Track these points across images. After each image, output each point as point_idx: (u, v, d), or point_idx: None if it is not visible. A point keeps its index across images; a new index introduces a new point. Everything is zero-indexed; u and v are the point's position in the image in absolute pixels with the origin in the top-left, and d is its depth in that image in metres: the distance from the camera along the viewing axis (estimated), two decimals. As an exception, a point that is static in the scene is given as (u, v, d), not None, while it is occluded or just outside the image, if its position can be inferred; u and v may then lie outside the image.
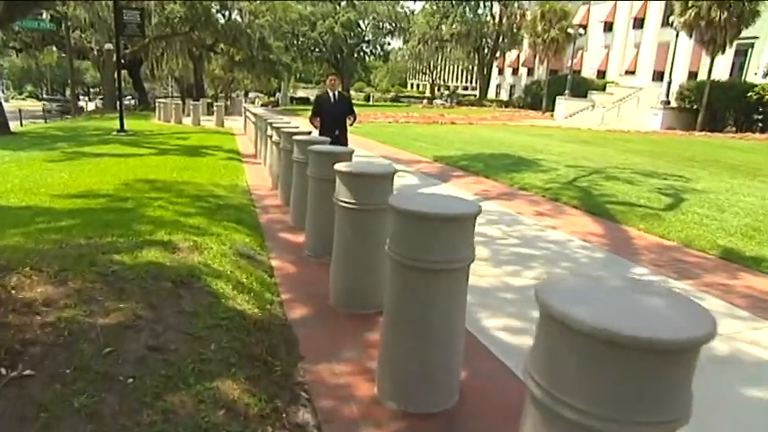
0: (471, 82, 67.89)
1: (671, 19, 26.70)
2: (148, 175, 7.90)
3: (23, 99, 66.31)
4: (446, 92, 59.43)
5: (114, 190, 6.57)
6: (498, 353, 3.10)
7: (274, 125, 7.73)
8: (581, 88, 35.39)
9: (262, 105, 43.73)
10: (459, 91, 62.58)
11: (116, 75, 20.55)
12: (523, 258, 4.92)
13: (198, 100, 26.96)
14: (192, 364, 2.35)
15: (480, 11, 51.57)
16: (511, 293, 4.04)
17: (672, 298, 1.28)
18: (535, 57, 40.48)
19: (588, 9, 41.24)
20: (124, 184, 6.99)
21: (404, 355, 2.40)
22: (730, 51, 26.33)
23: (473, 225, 2.29)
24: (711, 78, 25.43)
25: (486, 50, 50.75)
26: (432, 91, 60.58)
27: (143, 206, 5.55)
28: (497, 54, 50.87)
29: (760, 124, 24.99)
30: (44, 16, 25.75)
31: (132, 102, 38.47)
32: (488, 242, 5.32)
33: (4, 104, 17.47)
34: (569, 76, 34.57)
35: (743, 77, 28.40)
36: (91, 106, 41.42)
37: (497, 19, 49.26)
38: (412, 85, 79.69)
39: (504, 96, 51.55)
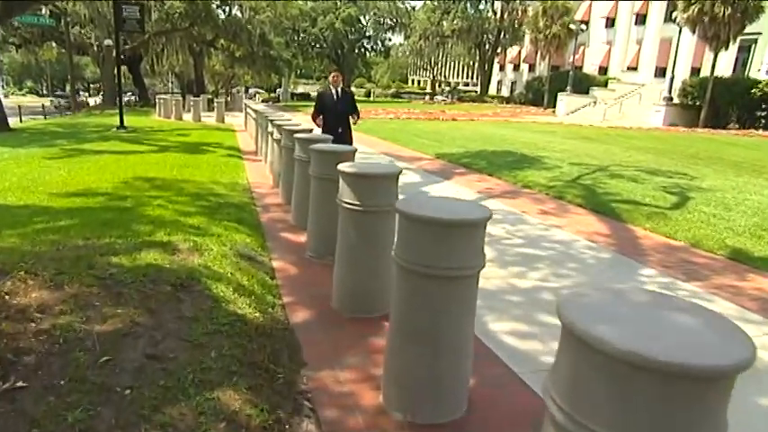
0: (472, 78, 67.68)
1: (674, 15, 26.51)
2: (148, 172, 7.82)
3: (23, 95, 66.18)
4: (447, 88, 59.21)
5: (113, 188, 6.50)
6: (505, 357, 3.03)
7: (275, 122, 7.64)
8: (583, 84, 35.22)
9: (262, 101, 43.56)
10: (461, 87, 62.39)
11: (116, 71, 20.43)
12: (529, 259, 4.83)
13: (198, 96, 26.80)
14: (192, 373, 2.27)
15: (482, 6, 51.40)
16: (517, 296, 3.96)
17: (704, 315, 1.20)
18: (536, 53, 40.29)
19: (590, 5, 41.01)
20: (123, 182, 6.91)
21: (411, 364, 2.32)
22: (733, 47, 26.15)
23: (485, 229, 2.21)
24: (714, 75, 25.28)
25: (487, 46, 50.52)
26: (433, 87, 60.36)
27: (142, 205, 5.48)
28: (498, 50, 50.64)
29: (763, 121, 24.82)
30: (43, 12, 25.60)
31: (132, 98, 38.36)
32: (493, 242, 5.23)
33: (4, 100, 17.38)
34: (571, 73, 34.38)
35: (746, 74, 28.22)
36: (95, 101, 41.28)
37: (499, 15, 49.00)
38: (413, 81, 79.44)
39: (505, 92, 51.36)
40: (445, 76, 71.52)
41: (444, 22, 50.71)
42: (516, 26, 47.09)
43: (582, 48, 39.77)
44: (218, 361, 2.43)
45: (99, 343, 2.32)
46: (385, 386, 2.49)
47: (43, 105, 30.65)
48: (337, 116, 7.11)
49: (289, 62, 44.20)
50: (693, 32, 25.44)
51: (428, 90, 61.17)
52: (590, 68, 40.07)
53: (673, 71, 27.37)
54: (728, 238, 5.62)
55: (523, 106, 40.74)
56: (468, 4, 50.77)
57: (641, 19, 37.47)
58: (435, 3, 52.18)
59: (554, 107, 34.38)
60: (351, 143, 6.97)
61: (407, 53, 59.06)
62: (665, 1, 32.83)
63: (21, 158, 8.99)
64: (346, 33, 55.86)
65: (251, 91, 50.94)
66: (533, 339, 3.26)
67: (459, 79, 73.04)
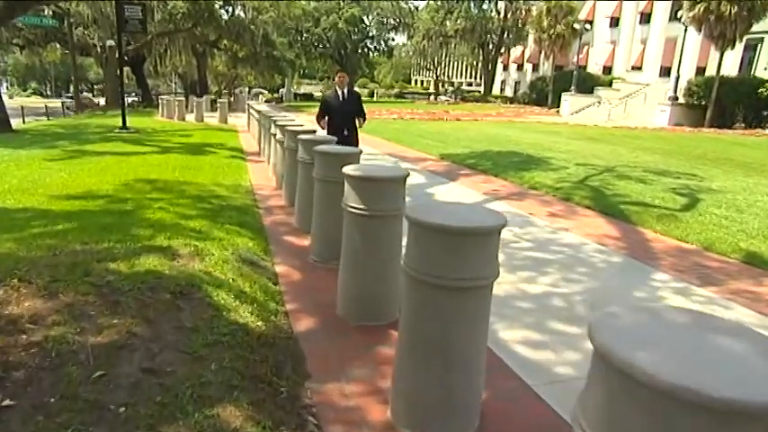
0: (476, 78, 67.46)
1: (679, 14, 26.32)
2: (150, 174, 7.72)
3: (27, 96, 66.27)
4: (450, 88, 59.04)
5: (114, 190, 6.40)
6: (517, 368, 2.91)
7: (278, 123, 7.52)
8: (587, 84, 35.00)
9: (265, 102, 43.51)
10: (464, 87, 62.17)
11: (119, 72, 20.36)
12: (538, 263, 4.71)
13: (201, 96, 26.74)
14: (191, 388, 2.16)
15: (485, 6, 51.18)
16: (527, 302, 3.84)
17: (754, 339, 1.08)
18: (540, 52, 40.07)
19: (594, 4, 40.77)
20: (124, 185, 6.82)
21: (421, 378, 2.20)
22: (740, 46, 25.92)
23: (499, 237, 2.10)
24: (720, 74, 25.07)
25: (490, 46, 50.30)
26: (436, 87, 60.15)
27: (143, 208, 5.37)
28: (502, 50, 50.41)
29: (771, 120, 24.64)
30: (46, 13, 25.58)
31: (135, 99, 38.34)
32: (501, 246, 5.08)
33: (9, 102, 17.32)
34: (575, 72, 34.17)
35: (752, 73, 27.99)
36: (103, 101, 41.25)
37: (502, 14, 48.80)
38: (416, 81, 79.20)
39: (508, 92, 51.17)
40: (448, 76, 71.27)
41: (448, 22, 50.52)
42: (520, 26, 46.87)
43: (586, 47, 39.55)
44: (218, 374, 2.31)
45: (93, 356, 2.21)
46: (393, 400, 2.37)
47: (46, 106, 30.57)
48: (343, 117, 6.98)
49: (292, 62, 44.06)
50: (699, 31, 25.25)
51: (431, 90, 60.98)
52: (594, 68, 39.83)
53: (678, 70, 27.16)
54: (742, 241, 5.49)
55: (527, 106, 40.54)
56: (472, 4, 50.56)
57: (646, 18, 37.22)
58: (439, 2, 51.97)
59: (558, 107, 34.18)
60: (357, 145, 6.85)
61: (411, 53, 58.91)
62: (669, 0, 32.61)
63: (22, 160, 8.90)
64: (349, 33, 55.74)
65: (254, 91, 50.92)
66: (545, 349, 3.14)
67: (463, 79, 72.80)
